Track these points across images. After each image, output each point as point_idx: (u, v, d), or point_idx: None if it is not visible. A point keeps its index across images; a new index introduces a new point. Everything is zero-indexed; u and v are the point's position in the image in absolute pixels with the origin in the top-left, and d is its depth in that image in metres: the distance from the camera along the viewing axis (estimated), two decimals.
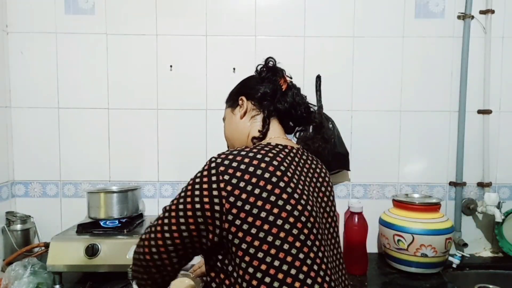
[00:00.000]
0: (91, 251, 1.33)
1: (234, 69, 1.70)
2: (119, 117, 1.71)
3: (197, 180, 0.84)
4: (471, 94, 1.70)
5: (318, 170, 0.97)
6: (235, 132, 1.05)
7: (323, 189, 0.95)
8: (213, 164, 0.84)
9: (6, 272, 1.32)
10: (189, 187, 0.85)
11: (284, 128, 1.05)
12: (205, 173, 0.84)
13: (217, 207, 0.81)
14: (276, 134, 1.00)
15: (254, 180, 0.81)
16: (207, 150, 1.72)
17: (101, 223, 1.49)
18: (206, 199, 0.81)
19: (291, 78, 1.07)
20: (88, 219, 1.52)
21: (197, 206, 0.82)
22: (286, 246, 0.79)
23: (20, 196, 1.72)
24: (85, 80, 1.69)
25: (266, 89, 1.02)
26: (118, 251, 1.35)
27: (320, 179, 0.96)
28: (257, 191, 0.80)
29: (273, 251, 0.78)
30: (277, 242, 0.78)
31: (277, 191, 0.81)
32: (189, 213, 0.82)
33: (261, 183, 0.81)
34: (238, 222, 0.80)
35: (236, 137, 1.04)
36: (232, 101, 1.07)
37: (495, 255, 1.73)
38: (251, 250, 0.79)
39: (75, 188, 1.72)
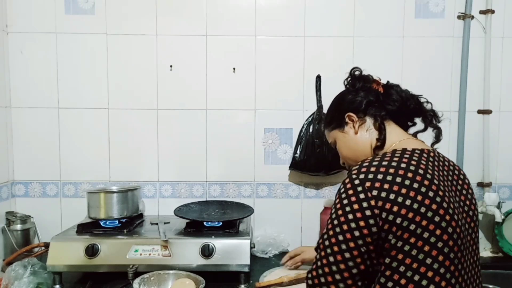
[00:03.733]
0: (91, 251, 1.33)
1: (234, 69, 1.70)
2: (119, 117, 1.71)
3: (345, 202, 0.80)
4: (471, 94, 1.69)
5: (456, 172, 0.92)
6: (356, 149, 0.99)
7: (464, 192, 0.90)
8: (356, 181, 0.80)
9: (6, 272, 1.32)
10: (340, 212, 0.80)
11: (402, 127, 0.99)
12: (350, 192, 0.80)
13: (374, 229, 0.78)
14: (401, 136, 0.95)
15: (403, 191, 0.77)
16: (207, 150, 1.72)
17: (101, 223, 1.49)
18: (362, 223, 0.78)
19: (380, 79, 1.02)
20: (88, 219, 1.51)
21: (356, 233, 0.78)
22: (429, 261, 0.77)
23: (20, 196, 1.72)
24: (85, 80, 1.69)
25: (369, 97, 0.97)
26: (118, 251, 1.35)
27: (460, 182, 0.91)
28: (408, 202, 0.77)
29: (415, 265, 0.77)
30: (421, 256, 0.77)
31: (427, 201, 0.78)
32: (352, 244, 0.79)
33: (412, 193, 0.77)
34: (390, 237, 0.78)
35: (360, 154, 0.98)
36: (336, 122, 1.02)
37: (495, 255, 1.73)
38: (400, 267, 0.77)
39: (75, 188, 1.72)
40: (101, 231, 1.45)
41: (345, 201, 0.80)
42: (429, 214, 0.77)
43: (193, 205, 1.64)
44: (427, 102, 1.00)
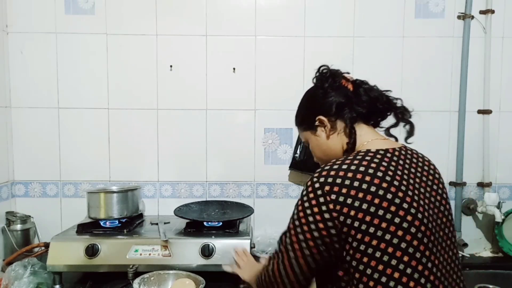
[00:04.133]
0: (91, 251, 1.33)
1: (234, 69, 1.70)
2: (119, 117, 1.71)
3: (306, 204, 0.84)
4: (471, 94, 1.69)
5: (426, 168, 0.93)
6: (329, 153, 0.99)
7: (434, 187, 0.91)
8: (317, 185, 0.83)
9: (6, 272, 1.32)
10: (301, 214, 0.84)
11: (373, 125, 1.00)
12: (311, 195, 0.83)
13: (333, 231, 0.81)
14: (370, 137, 0.95)
15: (360, 195, 0.79)
16: (207, 150, 1.72)
17: (101, 223, 1.49)
18: (321, 225, 0.81)
19: (349, 73, 1.02)
20: (88, 219, 1.51)
21: (316, 234, 0.82)
22: (394, 262, 0.78)
23: (20, 196, 1.72)
24: (85, 80, 1.69)
25: (339, 99, 0.96)
26: (118, 251, 1.35)
27: (430, 177, 0.91)
28: (364, 206, 0.79)
29: (380, 267, 0.78)
30: (385, 258, 0.78)
31: (385, 204, 0.79)
32: (311, 243, 0.83)
33: (368, 197, 0.79)
34: (350, 239, 0.80)
35: (332, 156, 0.97)
36: (307, 124, 1.03)
37: (495, 255, 1.73)
38: (367, 270, 0.79)
39: (75, 188, 1.72)
40: (101, 231, 1.45)
41: (306, 204, 0.84)
42: (388, 216, 0.78)
43: (193, 205, 1.64)
44: (396, 99, 1.00)
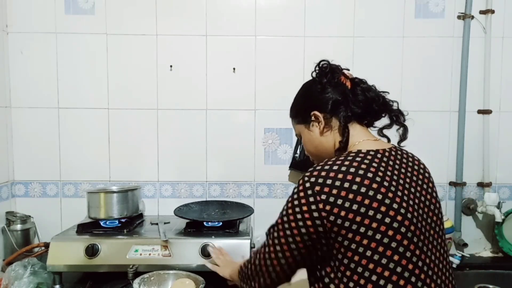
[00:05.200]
0: (91, 251, 1.33)
1: (234, 69, 1.70)
2: (119, 117, 1.71)
3: (296, 202, 0.85)
4: (471, 94, 1.69)
5: (416, 167, 0.93)
6: (320, 148, 1.00)
7: (424, 186, 0.91)
8: (307, 184, 0.84)
9: (6, 272, 1.32)
10: (290, 211, 0.86)
11: (367, 124, 1.00)
12: (301, 194, 0.84)
13: (320, 229, 0.82)
14: (362, 137, 0.95)
15: (351, 196, 0.80)
16: (207, 150, 1.72)
17: (101, 223, 1.49)
18: (309, 222, 0.82)
19: (348, 70, 1.02)
20: (88, 219, 1.51)
21: (303, 230, 0.84)
22: (384, 261, 0.79)
23: (20, 196, 1.72)
24: (85, 80, 1.69)
25: (336, 96, 0.96)
26: (118, 251, 1.35)
27: (420, 176, 0.92)
28: (355, 207, 0.80)
29: (371, 266, 0.79)
30: (376, 257, 0.79)
31: (375, 204, 0.80)
32: (298, 239, 0.85)
33: (358, 198, 0.80)
34: (340, 238, 0.81)
35: (323, 153, 1.00)
36: (302, 117, 1.04)
37: (495, 255, 1.73)
38: (358, 268, 0.80)
39: (75, 188, 1.72)
40: (101, 231, 1.45)
41: (296, 202, 0.85)
42: (378, 216, 0.79)
43: (193, 205, 1.64)
44: (393, 101, 1.00)
